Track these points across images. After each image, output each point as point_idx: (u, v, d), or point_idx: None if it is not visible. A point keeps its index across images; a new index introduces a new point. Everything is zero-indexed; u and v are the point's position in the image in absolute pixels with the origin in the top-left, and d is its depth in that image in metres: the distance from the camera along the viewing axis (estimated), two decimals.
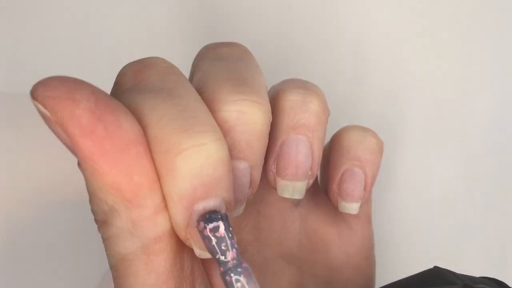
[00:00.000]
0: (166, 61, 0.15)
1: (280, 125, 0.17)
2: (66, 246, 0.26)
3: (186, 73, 0.17)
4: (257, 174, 0.15)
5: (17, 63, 0.26)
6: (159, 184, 0.12)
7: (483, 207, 0.29)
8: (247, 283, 0.13)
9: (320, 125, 0.17)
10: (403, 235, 0.28)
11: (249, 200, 0.16)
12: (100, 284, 0.25)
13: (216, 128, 0.13)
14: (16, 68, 0.26)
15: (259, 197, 0.20)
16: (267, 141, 0.15)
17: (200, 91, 0.15)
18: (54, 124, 0.12)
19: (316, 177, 0.18)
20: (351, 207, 0.18)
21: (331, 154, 0.19)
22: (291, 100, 0.17)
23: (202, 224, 0.12)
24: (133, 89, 0.14)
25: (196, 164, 0.12)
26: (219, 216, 0.12)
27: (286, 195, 0.17)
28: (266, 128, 0.15)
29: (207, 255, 0.13)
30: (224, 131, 0.14)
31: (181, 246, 0.13)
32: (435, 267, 0.18)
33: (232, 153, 0.14)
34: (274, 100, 0.17)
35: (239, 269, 0.13)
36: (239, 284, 0.12)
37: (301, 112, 0.17)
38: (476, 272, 0.20)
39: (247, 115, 0.14)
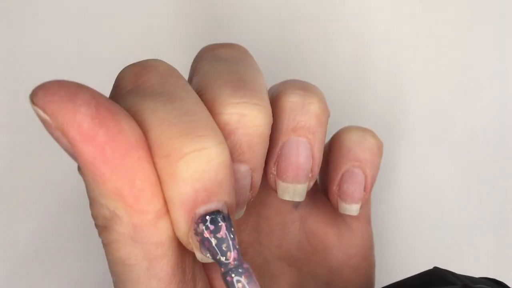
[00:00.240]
0: (165, 63, 0.15)
1: (280, 127, 0.17)
2: (66, 246, 0.26)
3: (186, 74, 0.17)
4: (258, 177, 0.15)
5: (17, 63, 0.26)
6: (161, 189, 0.12)
7: (483, 207, 0.29)
8: (248, 284, 0.13)
9: (321, 127, 0.17)
10: (402, 236, 0.28)
11: (249, 203, 0.16)
12: None
13: (218, 132, 0.13)
14: (16, 68, 0.26)
15: (258, 198, 0.20)
16: (268, 144, 0.15)
17: (200, 93, 0.15)
18: (54, 130, 0.11)
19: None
20: (352, 208, 0.18)
21: (330, 155, 0.19)
22: (291, 102, 0.17)
23: (201, 226, 0.12)
24: (133, 92, 0.14)
25: (198, 169, 0.12)
26: (222, 217, 0.12)
27: (287, 197, 0.17)
28: (267, 131, 0.15)
29: (208, 260, 0.13)
30: (225, 134, 0.14)
31: (182, 251, 0.13)
32: (435, 267, 0.18)
33: (233, 156, 0.14)
34: (274, 101, 0.17)
35: (240, 270, 0.13)
36: (240, 285, 0.12)
37: (301, 114, 0.16)
38: (476, 272, 0.20)
39: (248, 118, 0.14)
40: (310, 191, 0.17)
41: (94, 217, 0.13)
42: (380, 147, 0.19)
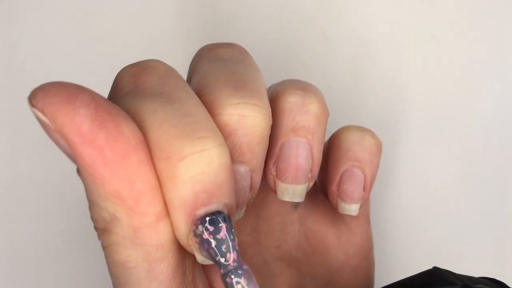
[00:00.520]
0: (165, 64, 0.15)
1: (279, 127, 0.16)
2: (66, 246, 0.26)
3: (186, 74, 0.17)
4: (258, 178, 0.15)
5: (17, 63, 0.26)
6: (161, 191, 0.12)
7: (483, 207, 0.29)
8: (247, 285, 0.13)
9: (320, 127, 0.17)
10: (402, 235, 0.28)
11: (249, 204, 0.16)
12: None
13: (218, 133, 0.13)
14: (16, 68, 0.26)
15: (258, 199, 0.20)
16: (268, 144, 0.15)
17: (200, 94, 0.14)
18: (53, 132, 0.11)
19: None
20: (351, 208, 0.18)
21: (329, 154, 0.19)
22: (291, 102, 0.16)
23: (200, 227, 0.12)
24: (132, 93, 0.13)
25: (198, 171, 0.12)
26: (223, 218, 0.12)
27: (286, 198, 0.17)
28: (266, 132, 0.15)
29: (208, 262, 0.13)
30: (225, 135, 0.14)
31: (182, 253, 0.13)
32: (434, 267, 0.18)
33: (233, 157, 0.14)
34: (273, 101, 0.17)
35: (239, 271, 0.13)
36: (239, 286, 0.12)
37: (300, 114, 0.16)
38: (476, 272, 0.20)
39: (248, 119, 0.14)
40: (309, 191, 0.17)
41: (94, 219, 0.13)
42: (379, 146, 0.19)
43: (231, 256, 0.13)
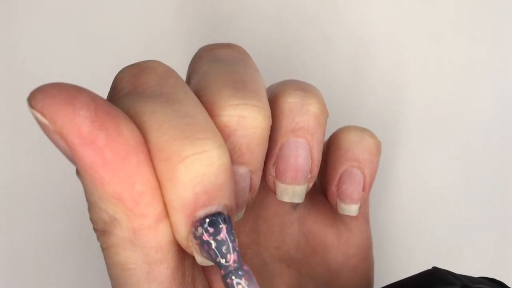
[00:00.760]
0: (164, 65, 0.15)
1: (279, 128, 0.16)
2: (66, 246, 0.26)
3: (185, 75, 0.17)
4: (257, 179, 0.15)
5: (17, 63, 0.26)
6: (160, 192, 0.12)
7: (483, 207, 0.29)
8: (248, 286, 0.13)
9: (319, 127, 0.17)
10: (401, 236, 0.28)
11: (248, 204, 0.16)
12: None
13: (217, 134, 0.13)
14: (16, 68, 0.26)
15: (257, 200, 0.20)
16: (267, 145, 0.15)
17: (199, 95, 0.14)
18: (52, 133, 0.11)
19: None
20: (351, 208, 0.18)
21: (329, 155, 0.19)
22: (290, 103, 0.16)
23: (200, 229, 0.12)
24: (131, 94, 0.13)
25: (198, 172, 0.12)
26: (223, 219, 0.12)
27: (286, 199, 0.17)
28: (266, 133, 0.15)
29: (208, 263, 0.13)
30: (225, 136, 0.14)
31: (182, 254, 0.13)
32: (434, 267, 0.18)
33: (232, 158, 0.14)
34: (273, 102, 0.17)
35: (240, 272, 0.13)
36: (240, 287, 0.12)
37: (300, 115, 0.16)
38: (476, 272, 0.20)
39: (247, 120, 0.14)
40: (308, 192, 0.17)
41: (93, 221, 0.13)
42: (378, 146, 0.19)
43: (232, 257, 0.12)
